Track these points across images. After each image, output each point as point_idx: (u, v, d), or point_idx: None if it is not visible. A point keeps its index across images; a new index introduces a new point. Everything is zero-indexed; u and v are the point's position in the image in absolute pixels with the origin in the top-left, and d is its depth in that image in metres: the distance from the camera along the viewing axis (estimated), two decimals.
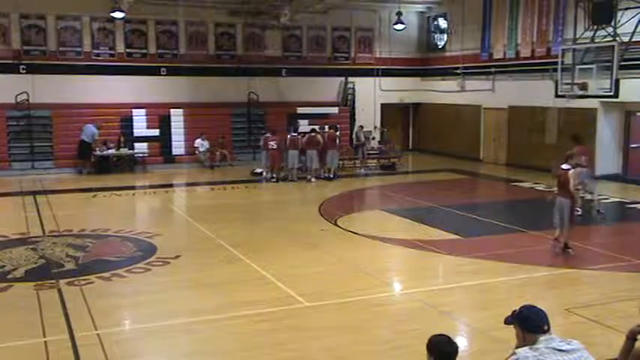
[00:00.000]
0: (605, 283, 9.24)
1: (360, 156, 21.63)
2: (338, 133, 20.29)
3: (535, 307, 3.63)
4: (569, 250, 10.52)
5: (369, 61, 25.87)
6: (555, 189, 10.82)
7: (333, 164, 19.56)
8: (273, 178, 19.28)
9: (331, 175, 19.33)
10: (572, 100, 18.19)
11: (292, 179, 19.20)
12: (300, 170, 19.61)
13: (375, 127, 25.73)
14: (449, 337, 3.50)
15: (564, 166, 10.55)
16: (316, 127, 20.03)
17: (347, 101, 25.31)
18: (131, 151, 21.51)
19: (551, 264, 10.14)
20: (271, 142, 19.33)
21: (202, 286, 9.08)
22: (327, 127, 20.09)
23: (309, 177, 19.21)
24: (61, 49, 21.67)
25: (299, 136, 19.53)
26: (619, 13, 17.29)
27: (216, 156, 22.00)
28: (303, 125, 21.89)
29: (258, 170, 20.20)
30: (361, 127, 23.28)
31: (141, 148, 21.87)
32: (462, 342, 7.03)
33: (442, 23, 26.11)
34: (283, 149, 19.26)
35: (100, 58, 22.15)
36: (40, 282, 8.93)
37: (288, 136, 19.46)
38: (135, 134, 22.04)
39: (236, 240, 11.46)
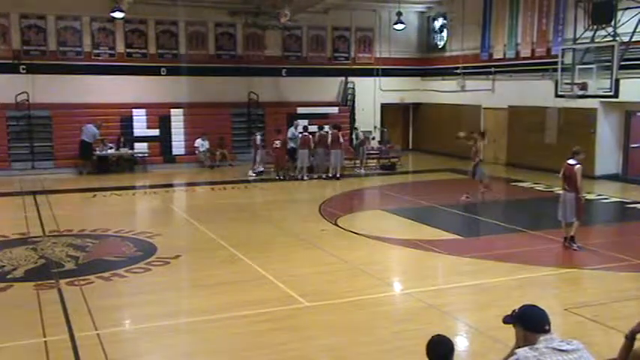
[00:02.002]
0: (605, 283, 9.24)
1: (360, 156, 21.68)
2: (341, 133, 20.37)
3: (536, 306, 3.63)
4: (574, 246, 10.61)
5: (369, 61, 25.88)
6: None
7: (337, 164, 19.64)
8: (278, 176, 19.56)
9: (338, 175, 19.40)
10: (571, 100, 18.20)
11: (303, 178, 19.36)
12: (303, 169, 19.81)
13: (375, 127, 25.75)
14: (439, 338, 3.52)
15: (571, 162, 10.68)
16: (326, 127, 20.20)
17: (347, 101, 25.31)
18: (131, 151, 21.52)
19: (551, 264, 10.15)
20: (276, 142, 19.43)
21: (202, 286, 9.09)
22: (326, 127, 20.22)
23: (317, 175, 19.49)
24: (61, 49, 21.68)
25: (310, 135, 19.63)
26: (619, 13, 17.30)
27: (216, 156, 22.01)
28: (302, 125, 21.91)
29: (258, 170, 20.25)
30: (355, 128, 23.30)
31: (141, 148, 21.88)
32: (462, 342, 7.03)
33: (442, 23, 26.12)
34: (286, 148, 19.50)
35: (100, 58, 22.16)
36: (40, 282, 8.93)
37: (300, 135, 19.63)
38: (135, 134, 22.05)
39: (236, 240, 11.46)
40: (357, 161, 21.66)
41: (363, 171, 21.09)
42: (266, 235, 12.16)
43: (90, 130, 20.26)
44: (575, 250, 10.62)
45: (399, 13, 22.86)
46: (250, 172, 20.04)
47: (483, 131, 17.12)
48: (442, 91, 25.40)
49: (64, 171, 20.44)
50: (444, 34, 25.96)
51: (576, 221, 10.73)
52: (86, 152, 20.38)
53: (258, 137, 20.39)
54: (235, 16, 23.46)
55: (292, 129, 20.33)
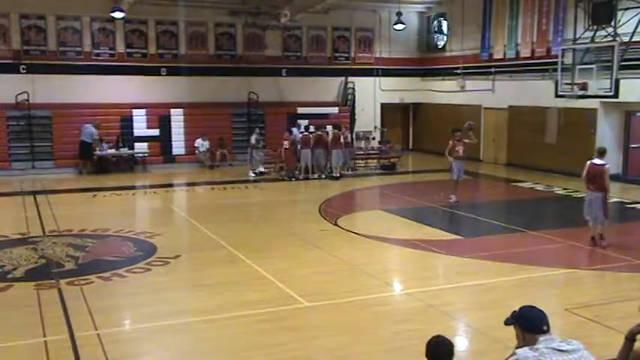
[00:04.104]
0: (605, 283, 9.25)
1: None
2: (341, 133, 20.36)
3: (535, 307, 3.64)
4: (604, 243, 10.80)
5: (369, 61, 25.87)
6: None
7: (339, 164, 19.64)
8: (288, 176, 19.55)
9: (338, 175, 19.41)
10: (571, 100, 18.20)
11: (307, 177, 19.40)
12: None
13: (375, 127, 25.75)
14: (439, 339, 3.52)
15: (597, 161, 10.71)
16: (328, 127, 20.25)
17: (347, 101, 25.32)
18: (131, 151, 21.52)
19: (551, 264, 10.15)
20: (284, 142, 19.46)
21: (202, 286, 9.09)
22: (328, 127, 20.27)
23: (317, 175, 19.53)
24: (61, 49, 21.68)
25: (310, 135, 19.65)
26: (619, 13, 17.29)
27: (216, 156, 22.02)
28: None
29: (258, 170, 20.26)
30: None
31: (141, 148, 21.88)
32: (462, 342, 7.04)
33: (442, 23, 26.13)
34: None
35: (100, 58, 22.16)
36: (40, 282, 8.93)
37: (300, 135, 19.65)
38: (135, 134, 22.05)
39: (236, 240, 11.46)
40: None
41: (350, 172, 20.77)
42: (266, 235, 12.16)
43: (88, 130, 20.27)
44: (602, 245, 10.79)
45: (399, 13, 22.86)
46: (251, 173, 20.04)
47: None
48: (442, 91, 25.40)
49: (64, 171, 20.44)
50: (444, 34, 25.96)
51: (605, 220, 10.82)
52: (86, 152, 20.39)
53: (253, 137, 20.39)
54: (235, 16, 23.45)
55: (295, 129, 20.40)
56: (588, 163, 10.88)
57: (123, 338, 7.25)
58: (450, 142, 15.09)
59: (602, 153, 10.91)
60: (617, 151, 18.81)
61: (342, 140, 19.86)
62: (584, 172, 10.89)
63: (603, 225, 10.91)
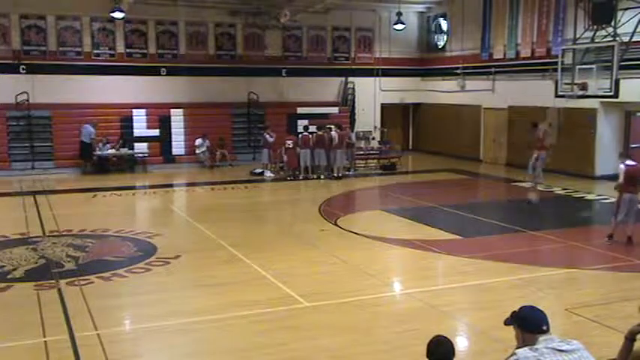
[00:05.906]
0: (605, 283, 9.25)
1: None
2: (344, 133, 20.36)
3: (534, 307, 3.64)
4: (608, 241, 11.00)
5: (369, 61, 25.87)
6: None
7: (340, 164, 19.64)
8: (291, 176, 19.53)
9: (339, 175, 19.42)
10: (571, 100, 18.19)
11: (307, 177, 19.37)
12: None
13: (375, 127, 25.74)
14: (440, 339, 3.52)
15: (632, 162, 10.79)
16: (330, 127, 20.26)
17: (347, 101, 25.31)
18: (131, 151, 21.52)
19: (551, 264, 10.16)
20: (288, 142, 19.45)
21: (202, 286, 9.08)
22: (322, 127, 20.22)
23: (317, 175, 19.51)
24: (61, 49, 21.68)
25: (311, 135, 19.64)
26: (619, 13, 17.29)
27: (216, 156, 22.02)
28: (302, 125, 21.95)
29: (258, 170, 20.24)
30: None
31: (141, 148, 21.88)
32: (462, 342, 7.04)
33: (442, 23, 26.13)
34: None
35: (100, 58, 22.16)
36: (40, 282, 8.94)
37: (300, 135, 19.65)
38: (135, 134, 22.05)
39: (236, 240, 11.46)
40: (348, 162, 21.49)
41: (350, 172, 20.71)
42: (266, 235, 12.17)
43: (86, 130, 20.28)
44: (609, 243, 10.98)
45: (399, 13, 22.85)
46: (268, 173, 19.99)
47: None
48: (442, 91, 25.40)
49: (64, 171, 20.43)
50: (444, 34, 25.96)
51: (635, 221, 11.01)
52: (85, 152, 20.39)
53: (267, 136, 20.27)
54: (235, 16, 23.47)
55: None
56: (623, 166, 10.87)
57: (123, 338, 7.25)
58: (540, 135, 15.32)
59: (629, 155, 11.27)
60: (617, 151, 18.77)
61: (345, 140, 19.84)
62: (622, 177, 10.80)
63: (628, 224, 10.96)
